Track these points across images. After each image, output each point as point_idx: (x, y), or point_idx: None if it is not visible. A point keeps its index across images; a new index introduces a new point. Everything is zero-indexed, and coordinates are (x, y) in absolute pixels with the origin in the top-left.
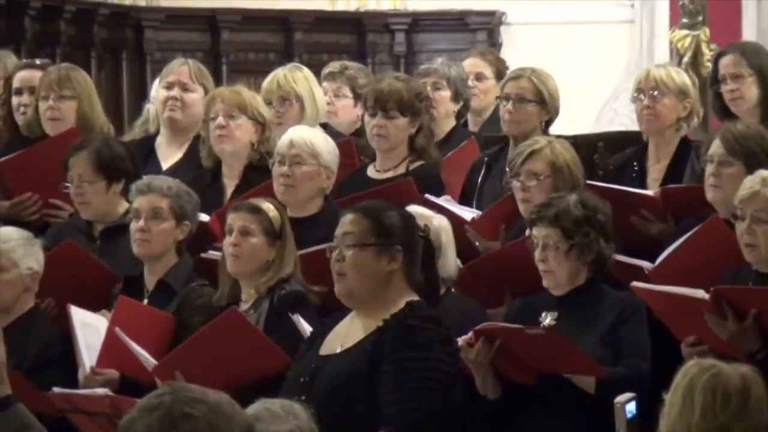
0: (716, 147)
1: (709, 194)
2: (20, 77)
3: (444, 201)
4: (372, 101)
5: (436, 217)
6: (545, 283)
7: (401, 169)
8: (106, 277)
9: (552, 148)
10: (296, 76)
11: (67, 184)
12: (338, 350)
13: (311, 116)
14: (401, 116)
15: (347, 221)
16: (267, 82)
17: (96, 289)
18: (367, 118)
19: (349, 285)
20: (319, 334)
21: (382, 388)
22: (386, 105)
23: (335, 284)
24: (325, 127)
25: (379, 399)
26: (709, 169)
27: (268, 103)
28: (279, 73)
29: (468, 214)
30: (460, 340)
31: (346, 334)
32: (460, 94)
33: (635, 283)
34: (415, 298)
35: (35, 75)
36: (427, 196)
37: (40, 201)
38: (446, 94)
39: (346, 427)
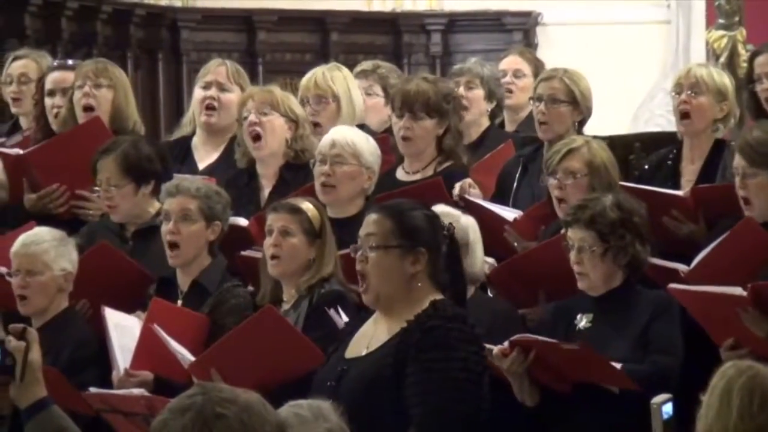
0: (738, 160)
1: (744, 209)
2: (52, 78)
3: (483, 200)
4: (399, 103)
5: (463, 216)
6: (580, 285)
7: (429, 171)
8: (140, 278)
9: (589, 147)
10: (334, 75)
11: (96, 188)
12: (363, 352)
13: (347, 116)
14: (428, 118)
15: (370, 221)
16: (305, 79)
17: (130, 289)
18: (394, 119)
19: (373, 288)
20: (346, 336)
21: (407, 390)
22: (413, 106)
23: (361, 291)
24: (362, 127)
25: (406, 401)
26: (737, 182)
27: (305, 101)
28: (317, 72)
29: (509, 214)
30: (495, 350)
31: (372, 335)
32: (493, 94)
33: (672, 285)
34: (440, 297)
35: (67, 76)
36: (466, 195)
37: (68, 192)
38: (479, 93)
39: (373, 430)
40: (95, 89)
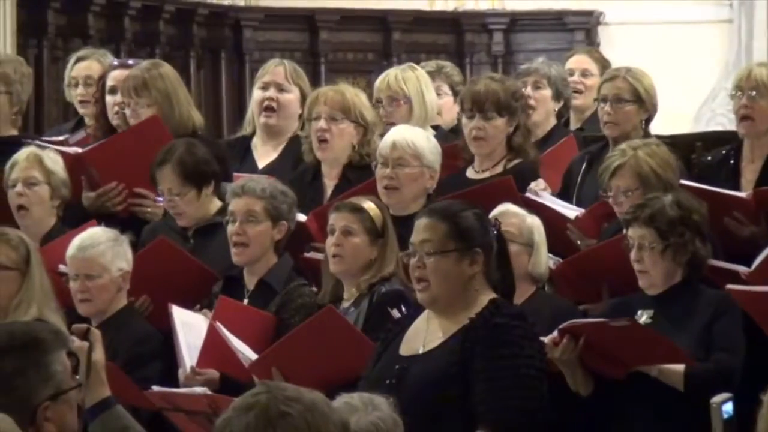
0: None
1: None
2: (114, 76)
3: (547, 199)
4: (469, 103)
5: (529, 216)
6: (641, 283)
7: (499, 169)
8: (201, 275)
9: (636, 159)
10: (407, 76)
11: (160, 198)
12: (421, 351)
13: (419, 117)
14: (499, 117)
15: (423, 227)
16: (379, 80)
17: (191, 286)
18: (464, 120)
19: (433, 292)
20: (394, 335)
21: (475, 388)
22: (483, 106)
23: (417, 291)
24: (436, 128)
25: (473, 398)
26: None
27: (378, 101)
28: (391, 73)
29: (571, 212)
30: (546, 339)
31: (427, 333)
32: (560, 93)
33: (731, 286)
34: (494, 295)
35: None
36: (528, 195)
37: (126, 190)
38: (547, 93)
39: (439, 428)
40: (138, 108)
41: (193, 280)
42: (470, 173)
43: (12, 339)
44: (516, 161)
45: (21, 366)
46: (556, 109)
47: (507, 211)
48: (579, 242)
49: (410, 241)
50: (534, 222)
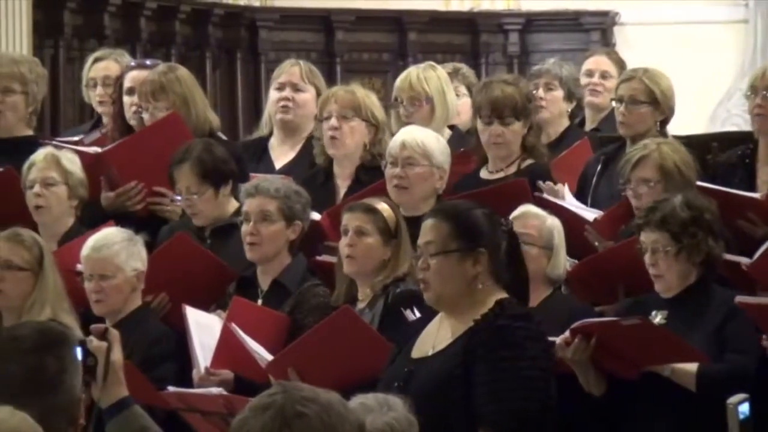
0: None
1: None
2: (131, 77)
3: (566, 203)
4: (488, 110)
5: (549, 218)
6: (657, 287)
7: (512, 169)
8: (219, 271)
9: (660, 152)
10: (428, 76)
11: (177, 197)
12: (430, 353)
13: (441, 118)
14: (516, 121)
15: (427, 227)
16: (400, 80)
17: (209, 283)
18: (481, 126)
19: (436, 291)
20: (409, 337)
21: (477, 390)
22: (503, 113)
23: (423, 291)
24: (452, 128)
25: (475, 401)
26: None
27: (399, 101)
28: (412, 73)
29: (588, 214)
30: (558, 340)
31: (437, 336)
32: (572, 94)
33: (740, 298)
34: (504, 295)
35: (146, 75)
36: (545, 195)
37: (145, 189)
38: (559, 94)
39: (443, 430)
40: (156, 111)
41: (212, 278)
42: (484, 174)
43: (45, 337)
44: (529, 161)
45: (62, 363)
46: (569, 110)
47: (527, 212)
48: (597, 244)
49: (418, 242)
50: (554, 224)
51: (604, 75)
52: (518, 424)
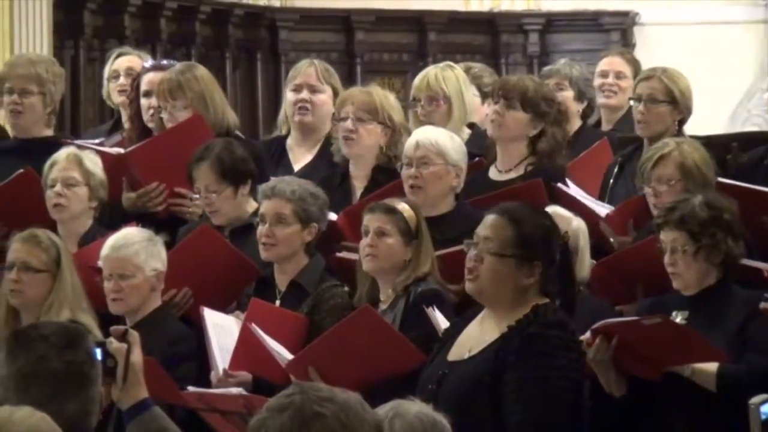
0: None
1: None
2: (148, 79)
3: (578, 193)
4: (497, 89)
5: (575, 220)
6: (675, 285)
7: (521, 169)
8: (241, 266)
9: (680, 151)
10: (446, 76)
11: (196, 195)
12: (466, 356)
13: (459, 118)
14: (522, 110)
15: (491, 224)
16: (418, 79)
17: (231, 277)
18: (489, 109)
19: (481, 286)
20: (450, 336)
21: (506, 398)
22: (509, 94)
23: (466, 281)
24: (471, 126)
25: (504, 409)
26: None
27: (416, 100)
28: (430, 72)
29: (601, 209)
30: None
31: (476, 338)
32: (583, 94)
33: (765, 304)
34: (544, 301)
35: (164, 75)
36: (560, 185)
37: (166, 190)
38: (569, 94)
39: None
40: (174, 110)
41: (233, 272)
42: (493, 173)
43: (71, 332)
44: (539, 163)
45: (90, 357)
46: (580, 110)
47: (554, 214)
48: (612, 240)
49: (476, 231)
50: (580, 226)
51: (618, 75)
52: None
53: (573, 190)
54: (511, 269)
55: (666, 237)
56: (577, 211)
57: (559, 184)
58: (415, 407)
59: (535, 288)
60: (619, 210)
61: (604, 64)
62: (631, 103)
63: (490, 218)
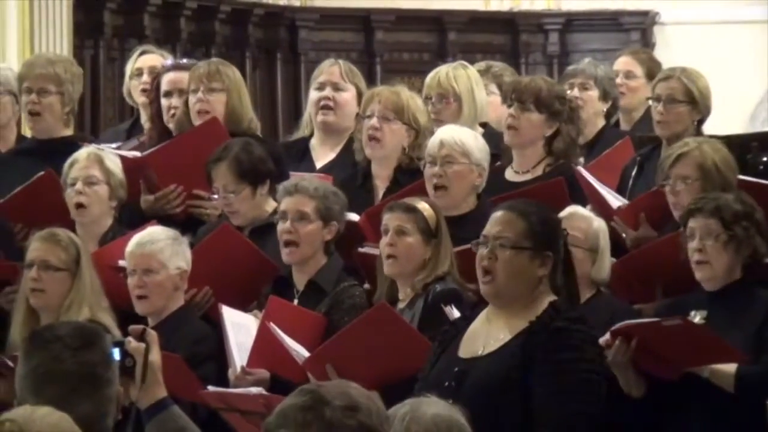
0: None
1: None
2: (168, 79)
3: (595, 182)
4: (510, 91)
5: (596, 220)
6: (699, 275)
7: (539, 171)
8: (262, 264)
9: (700, 150)
10: (458, 74)
11: (214, 195)
12: (480, 352)
13: (468, 116)
14: (536, 112)
15: (501, 219)
16: (429, 77)
17: (251, 276)
18: (503, 114)
19: (499, 285)
20: (452, 336)
21: (537, 392)
22: (522, 96)
23: (481, 282)
24: (484, 126)
25: (534, 403)
26: None
27: (428, 98)
28: (441, 71)
29: (615, 201)
30: (600, 341)
31: (487, 335)
32: (608, 93)
33: None
34: (554, 297)
35: (182, 77)
36: (580, 168)
37: (184, 193)
38: (594, 93)
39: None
40: (208, 94)
41: (254, 271)
42: (509, 174)
43: (86, 333)
44: (558, 164)
45: (106, 357)
46: (605, 110)
47: (575, 213)
48: (624, 234)
49: (483, 232)
50: (600, 226)
51: (627, 75)
52: (578, 427)
53: (591, 178)
54: (526, 262)
55: (697, 224)
56: (592, 200)
57: (579, 167)
58: (431, 409)
59: (545, 282)
60: (633, 204)
61: (616, 64)
62: (650, 103)
63: (498, 215)
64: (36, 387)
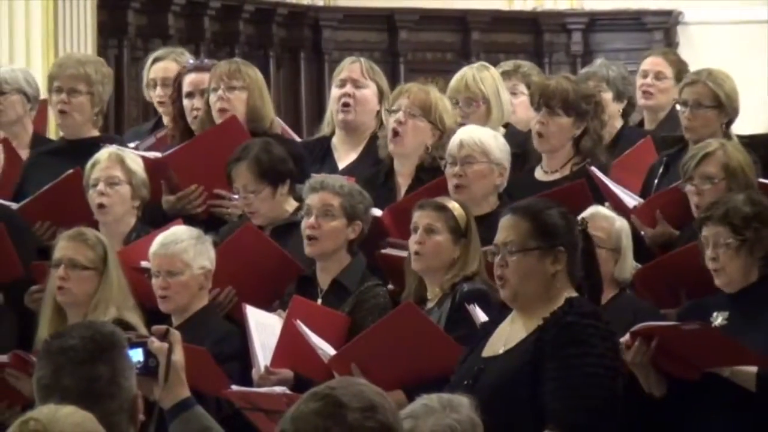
0: None
1: None
2: (190, 80)
3: (611, 182)
4: (537, 96)
5: (618, 220)
6: (717, 282)
7: (567, 170)
8: (284, 264)
9: (725, 151)
10: (484, 77)
11: (234, 196)
12: (500, 351)
13: (497, 118)
14: (565, 115)
15: (506, 225)
16: (455, 80)
17: (273, 276)
18: (533, 115)
19: (513, 289)
20: (482, 337)
21: (545, 387)
22: (550, 101)
23: (499, 288)
24: (506, 126)
25: (543, 398)
26: None
27: (454, 102)
28: (467, 74)
29: (630, 200)
30: (621, 341)
31: (509, 334)
32: (622, 93)
33: None
34: (575, 294)
35: (204, 77)
36: (594, 169)
37: (205, 192)
38: (607, 95)
39: (511, 428)
40: (229, 92)
41: (277, 270)
42: (539, 174)
43: (95, 344)
44: (584, 163)
45: (114, 367)
46: (620, 110)
47: (597, 213)
48: (642, 232)
49: (494, 240)
50: (623, 226)
51: (657, 76)
52: (584, 421)
53: (605, 178)
54: (536, 262)
55: (708, 232)
56: (610, 200)
57: (593, 168)
58: (430, 420)
59: (563, 276)
60: (649, 202)
61: (645, 64)
62: (678, 107)
63: (503, 220)
64: (41, 396)
